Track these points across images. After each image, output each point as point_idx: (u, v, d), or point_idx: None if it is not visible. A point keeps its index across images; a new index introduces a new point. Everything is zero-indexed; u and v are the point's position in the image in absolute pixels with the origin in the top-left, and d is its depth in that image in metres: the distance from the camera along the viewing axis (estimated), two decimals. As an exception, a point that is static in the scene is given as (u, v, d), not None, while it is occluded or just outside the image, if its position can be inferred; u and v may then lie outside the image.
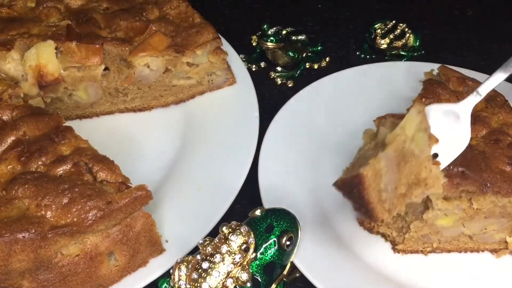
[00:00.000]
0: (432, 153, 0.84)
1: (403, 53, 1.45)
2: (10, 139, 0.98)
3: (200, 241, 0.91)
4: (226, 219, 1.01)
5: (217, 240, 0.89)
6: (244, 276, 0.87)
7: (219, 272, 0.86)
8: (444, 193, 0.94)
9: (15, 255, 0.87)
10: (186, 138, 1.21)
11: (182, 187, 1.11)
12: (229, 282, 0.87)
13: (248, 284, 0.88)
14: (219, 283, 0.86)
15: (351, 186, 0.81)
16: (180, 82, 1.27)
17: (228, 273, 0.87)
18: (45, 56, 1.13)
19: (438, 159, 0.88)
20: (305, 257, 0.99)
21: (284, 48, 1.41)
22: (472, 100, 0.98)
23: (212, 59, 1.24)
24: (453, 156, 0.93)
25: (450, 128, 0.95)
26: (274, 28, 1.45)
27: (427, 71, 1.16)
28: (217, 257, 0.87)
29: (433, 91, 1.06)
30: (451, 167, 0.93)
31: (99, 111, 1.27)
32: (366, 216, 0.84)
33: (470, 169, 0.93)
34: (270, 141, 1.17)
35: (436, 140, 0.84)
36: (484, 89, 0.98)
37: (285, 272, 0.96)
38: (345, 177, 0.84)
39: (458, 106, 0.97)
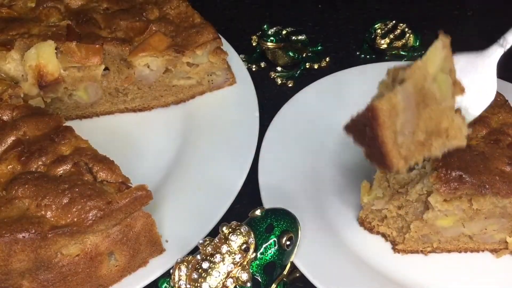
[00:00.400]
0: (457, 106, 0.74)
1: (403, 53, 1.44)
2: (10, 139, 0.98)
3: (200, 241, 0.91)
4: (226, 219, 1.01)
5: (217, 240, 0.89)
6: (244, 276, 0.87)
7: (219, 272, 0.86)
8: (443, 197, 0.94)
9: (15, 255, 0.87)
10: (186, 138, 1.21)
11: (182, 187, 1.11)
12: (229, 282, 0.87)
13: (248, 284, 0.88)
14: (219, 283, 0.86)
15: (363, 124, 0.73)
16: (180, 82, 1.27)
17: (228, 273, 0.87)
18: (45, 56, 1.13)
19: (463, 112, 0.79)
20: (305, 257, 0.99)
21: (284, 48, 1.41)
22: (499, 48, 0.89)
23: (212, 59, 1.24)
24: (478, 111, 0.85)
25: (475, 79, 0.86)
26: (274, 28, 1.45)
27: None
28: (217, 257, 0.87)
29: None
30: (449, 171, 0.91)
31: (99, 111, 1.27)
32: (380, 164, 0.74)
33: (468, 172, 0.92)
34: (270, 141, 1.17)
35: (462, 90, 0.74)
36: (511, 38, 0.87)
37: (285, 272, 0.96)
38: (356, 115, 0.75)
39: (483, 54, 0.88)
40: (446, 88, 0.73)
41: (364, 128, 0.72)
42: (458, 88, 0.74)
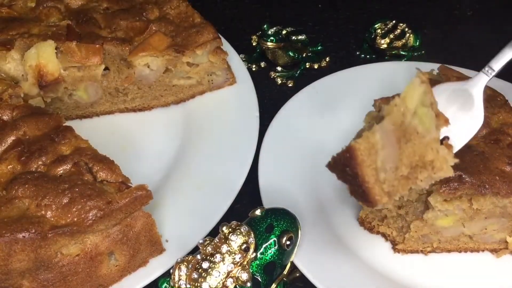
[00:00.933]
0: (442, 136, 0.74)
1: (403, 53, 1.44)
2: (10, 139, 0.98)
3: (200, 241, 0.91)
4: (226, 219, 1.01)
5: (217, 240, 0.89)
6: (244, 276, 0.87)
7: (219, 272, 0.86)
8: (443, 197, 0.94)
9: (15, 255, 0.87)
10: (186, 138, 1.21)
11: (182, 187, 1.11)
12: (229, 282, 0.87)
13: (248, 284, 0.88)
14: (219, 283, 0.86)
15: (343, 164, 0.74)
16: (180, 82, 1.27)
17: (228, 273, 0.87)
18: (45, 56, 1.13)
19: (451, 140, 0.78)
20: (305, 257, 0.99)
21: (284, 48, 1.41)
22: (484, 77, 0.89)
23: (212, 59, 1.24)
24: (465, 140, 0.86)
25: (461, 108, 0.87)
26: (274, 28, 1.45)
27: (427, 71, 1.16)
28: (217, 257, 0.87)
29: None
30: None
31: (99, 111, 1.27)
32: (363, 200, 0.76)
33: (468, 172, 0.92)
34: (270, 141, 1.17)
35: (446, 121, 0.73)
36: (497, 64, 0.89)
37: (285, 272, 0.96)
38: (336, 155, 0.76)
39: (468, 84, 0.89)
40: (428, 121, 0.74)
41: (344, 165, 0.74)
42: (441, 119, 0.74)
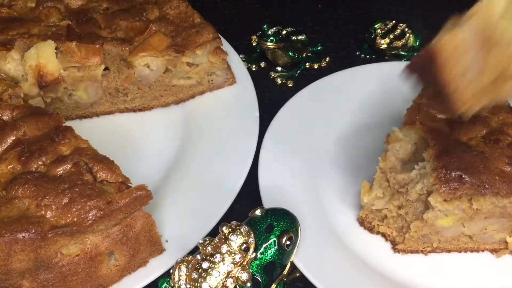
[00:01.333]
0: None
1: (403, 53, 1.44)
2: (10, 139, 0.98)
3: (200, 241, 0.90)
4: (226, 219, 1.01)
5: (217, 240, 0.89)
6: (244, 276, 0.87)
7: (219, 272, 0.86)
8: (443, 197, 0.94)
9: (15, 255, 0.87)
10: (186, 138, 1.21)
11: (182, 187, 1.11)
12: (229, 282, 0.87)
13: (248, 284, 0.88)
14: (219, 283, 0.86)
15: (423, 64, 0.70)
16: (180, 82, 1.27)
17: (228, 273, 0.87)
18: (45, 56, 1.13)
19: None
20: (305, 257, 0.99)
21: (284, 48, 1.41)
22: None
23: (212, 59, 1.24)
24: None
25: None
26: (274, 28, 1.45)
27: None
28: (217, 257, 0.87)
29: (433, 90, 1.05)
30: (449, 172, 0.91)
31: (99, 111, 1.27)
32: (443, 105, 0.71)
33: (468, 172, 0.92)
34: (270, 141, 1.17)
35: None
36: None
37: (285, 272, 0.96)
38: (416, 56, 0.73)
39: None
40: None
41: (424, 66, 0.70)
42: None
